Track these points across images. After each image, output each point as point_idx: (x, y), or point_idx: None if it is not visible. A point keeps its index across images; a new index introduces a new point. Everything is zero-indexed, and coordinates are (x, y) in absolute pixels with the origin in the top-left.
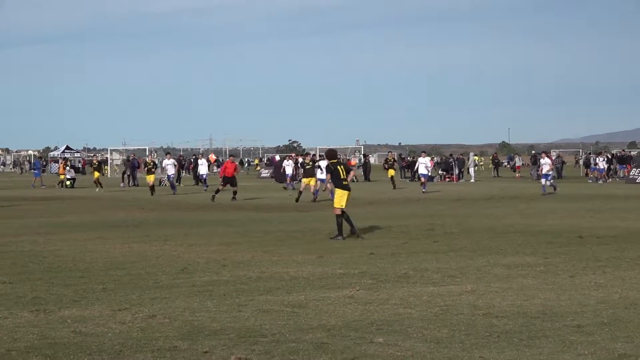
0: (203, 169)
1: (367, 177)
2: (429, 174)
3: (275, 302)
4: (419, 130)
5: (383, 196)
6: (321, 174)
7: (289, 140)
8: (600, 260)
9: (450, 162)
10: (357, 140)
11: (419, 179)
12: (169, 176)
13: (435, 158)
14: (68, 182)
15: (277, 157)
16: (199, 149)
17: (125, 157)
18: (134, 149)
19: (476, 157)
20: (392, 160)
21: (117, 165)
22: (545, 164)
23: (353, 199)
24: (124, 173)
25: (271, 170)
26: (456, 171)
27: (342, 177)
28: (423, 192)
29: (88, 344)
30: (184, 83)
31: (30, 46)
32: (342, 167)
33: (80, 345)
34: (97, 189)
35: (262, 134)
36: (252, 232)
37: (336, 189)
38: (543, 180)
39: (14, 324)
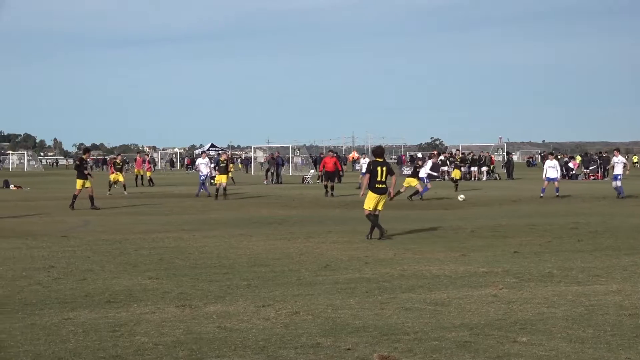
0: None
1: (510, 175)
2: (558, 177)
3: (417, 300)
4: (564, 128)
5: (526, 194)
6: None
7: (432, 138)
8: None
9: (593, 160)
10: (500, 138)
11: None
12: (201, 177)
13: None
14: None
15: (420, 155)
16: (342, 146)
17: (269, 155)
18: (278, 147)
19: (635, 157)
20: (459, 159)
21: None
22: (619, 162)
23: (496, 198)
24: (267, 170)
25: (412, 168)
26: (601, 169)
27: (379, 178)
28: (557, 195)
29: (232, 339)
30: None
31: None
32: (384, 168)
33: (225, 341)
34: (108, 192)
35: (405, 132)
36: (393, 229)
37: (368, 190)
38: (614, 183)
39: (160, 319)
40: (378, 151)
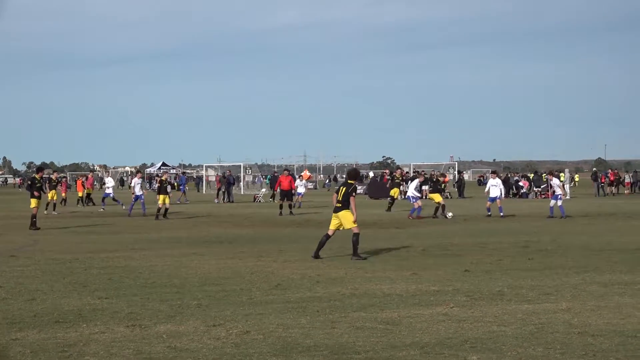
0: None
1: (461, 194)
2: (501, 196)
3: (368, 318)
4: (514, 147)
5: (477, 212)
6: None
7: (383, 156)
8: None
9: (543, 179)
10: (451, 157)
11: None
12: (136, 196)
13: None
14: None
15: (371, 174)
16: (294, 165)
17: (220, 174)
18: (229, 166)
19: (576, 175)
20: (400, 177)
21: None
22: (556, 184)
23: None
24: (219, 189)
25: (365, 187)
26: (551, 189)
27: (338, 197)
28: (500, 215)
29: (182, 359)
30: (278, 100)
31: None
32: (344, 189)
33: None
34: (46, 211)
35: (356, 151)
36: (346, 248)
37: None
38: (552, 202)
39: (110, 339)
40: (352, 174)
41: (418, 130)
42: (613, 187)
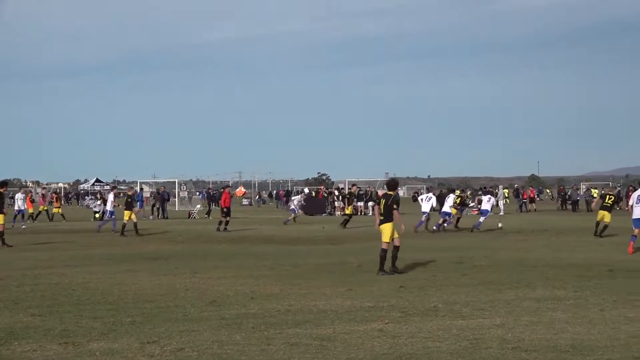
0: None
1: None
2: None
3: (303, 335)
4: (448, 163)
5: (412, 229)
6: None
7: (318, 173)
8: (631, 294)
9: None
10: (387, 173)
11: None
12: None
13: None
14: (97, 215)
15: (306, 190)
16: (229, 181)
17: (155, 190)
18: (164, 182)
19: (505, 190)
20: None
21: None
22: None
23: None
24: (153, 206)
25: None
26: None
27: (381, 211)
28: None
29: None
30: (213, 115)
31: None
32: (384, 201)
33: None
34: None
35: (291, 167)
36: (281, 264)
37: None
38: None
39: (43, 357)
40: (390, 184)
41: (353, 147)
42: (533, 204)
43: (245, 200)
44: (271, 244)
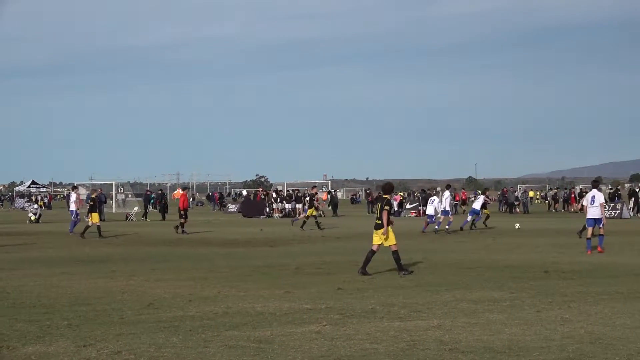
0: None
1: (335, 212)
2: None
3: (241, 337)
4: (387, 165)
5: (351, 231)
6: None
7: (257, 175)
8: (566, 295)
9: (415, 197)
10: (325, 175)
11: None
12: (73, 212)
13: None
14: (33, 217)
15: (245, 192)
16: (166, 183)
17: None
18: (101, 184)
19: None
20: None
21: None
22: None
23: (320, 234)
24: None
25: (238, 205)
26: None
27: (377, 214)
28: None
29: None
30: (151, 117)
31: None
32: (379, 204)
33: None
34: None
35: (230, 169)
36: (219, 267)
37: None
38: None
39: None
40: (385, 188)
41: (292, 149)
42: (464, 206)
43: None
44: (209, 246)
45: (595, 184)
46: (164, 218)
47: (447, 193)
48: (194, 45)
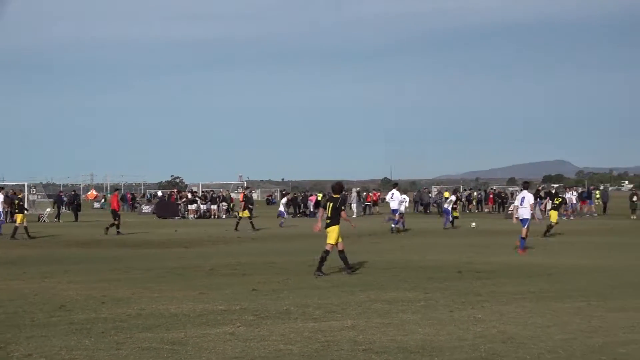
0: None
1: (250, 213)
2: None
3: (154, 339)
4: (302, 166)
5: (266, 232)
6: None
7: (172, 176)
8: (479, 295)
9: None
10: (240, 176)
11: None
12: None
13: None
14: None
15: (160, 193)
16: (80, 184)
17: (4, 194)
18: (13, 185)
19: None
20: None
21: None
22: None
23: (236, 235)
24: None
25: (153, 207)
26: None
27: (327, 214)
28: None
29: None
30: (63, 117)
31: None
32: (331, 204)
33: None
34: None
35: (144, 170)
36: (133, 268)
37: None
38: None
39: None
40: (336, 187)
41: (207, 150)
42: (377, 207)
43: (97, 203)
44: (123, 247)
45: (526, 185)
46: (76, 219)
47: (395, 193)
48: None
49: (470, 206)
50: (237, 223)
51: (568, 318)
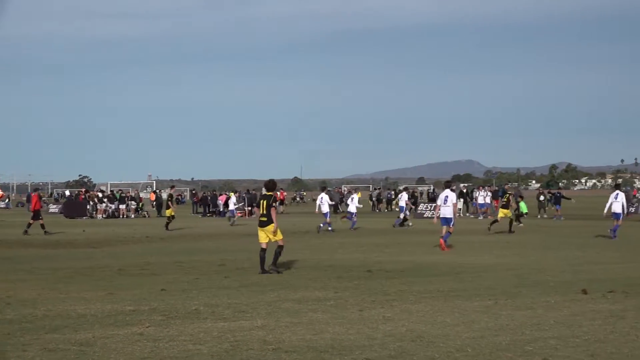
0: None
1: (159, 212)
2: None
3: (61, 340)
4: (212, 165)
5: (176, 232)
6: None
7: (79, 175)
8: (389, 294)
9: (242, 197)
10: (149, 175)
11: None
12: None
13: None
14: None
15: (67, 192)
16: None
17: None
18: None
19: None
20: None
21: None
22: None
23: (144, 235)
24: None
25: (60, 206)
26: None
27: (262, 212)
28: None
29: None
30: None
31: None
32: (265, 202)
33: None
34: None
35: (52, 169)
36: (39, 269)
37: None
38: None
39: None
40: (269, 185)
41: (116, 149)
42: (283, 207)
43: (2, 203)
44: (29, 247)
45: (448, 184)
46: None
47: (325, 196)
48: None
49: (379, 205)
50: (167, 223)
51: (476, 316)
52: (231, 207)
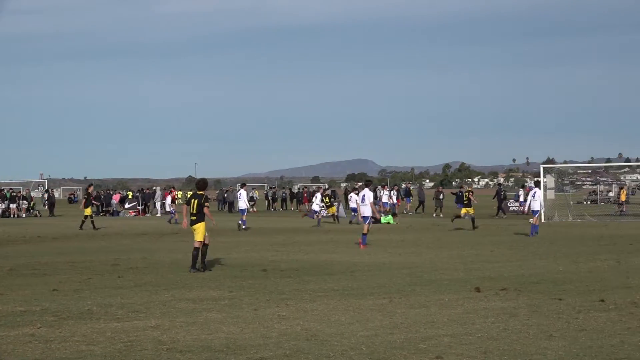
0: None
1: (51, 212)
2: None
3: None
4: (106, 165)
5: (68, 231)
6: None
7: None
8: (284, 293)
9: (135, 197)
10: (41, 174)
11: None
12: None
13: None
14: None
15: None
16: None
17: None
18: None
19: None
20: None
21: None
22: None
23: (36, 234)
24: None
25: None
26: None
27: (192, 211)
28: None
29: None
30: None
31: None
32: (196, 201)
33: None
34: None
35: None
36: None
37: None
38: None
39: None
40: (200, 184)
41: (4, 147)
42: (173, 205)
43: None
44: None
45: (368, 183)
46: None
47: (318, 195)
48: None
49: (274, 204)
50: (92, 222)
51: (370, 315)
52: (167, 207)
